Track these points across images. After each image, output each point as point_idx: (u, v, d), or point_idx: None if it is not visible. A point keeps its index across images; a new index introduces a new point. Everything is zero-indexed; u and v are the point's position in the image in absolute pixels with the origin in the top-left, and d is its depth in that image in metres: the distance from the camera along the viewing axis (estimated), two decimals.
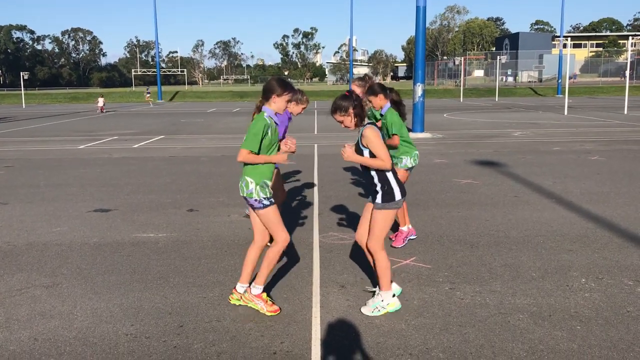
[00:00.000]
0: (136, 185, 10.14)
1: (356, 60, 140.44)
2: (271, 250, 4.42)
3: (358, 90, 6.84)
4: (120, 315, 4.47)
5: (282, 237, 4.37)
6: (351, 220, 7.33)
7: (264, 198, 4.30)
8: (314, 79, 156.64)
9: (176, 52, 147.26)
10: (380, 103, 5.81)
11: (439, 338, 3.99)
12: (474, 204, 8.23)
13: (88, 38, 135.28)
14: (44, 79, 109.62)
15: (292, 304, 4.62)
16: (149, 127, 23.80)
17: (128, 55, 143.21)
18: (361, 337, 4.04)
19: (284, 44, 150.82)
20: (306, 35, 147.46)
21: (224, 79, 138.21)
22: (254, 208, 4.37)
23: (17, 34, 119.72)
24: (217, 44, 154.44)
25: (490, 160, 12.46)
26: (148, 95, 50.29)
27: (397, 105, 5.82)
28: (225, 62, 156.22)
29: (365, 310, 4.40)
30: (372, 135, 4.18)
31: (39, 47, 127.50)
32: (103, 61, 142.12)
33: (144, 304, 4.70)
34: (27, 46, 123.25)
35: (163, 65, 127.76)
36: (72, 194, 9.31)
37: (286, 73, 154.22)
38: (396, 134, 5.76)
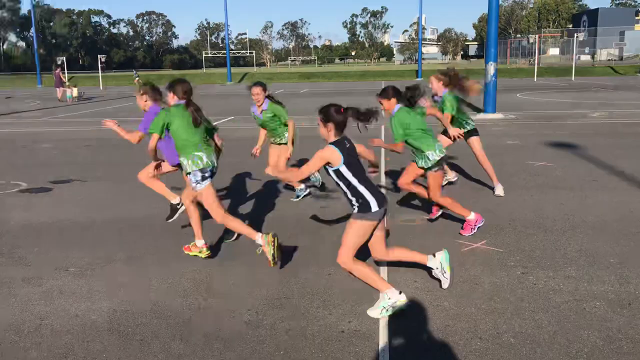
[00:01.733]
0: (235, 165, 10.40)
1: (425, 39, 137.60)
2: None
3: (435, 83, 7.04)
4: (192, 290, 4.62)
5: None
6: (419, 202, 7.24)
7: None
8: (381, 59, 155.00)
9: (245, 33, 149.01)
10: (390, 107, 5.71)
11: (510, 323, 3.90)
12: (549, 187, 7.95)
13: (161, 21, 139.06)
14: (120, 62, 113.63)
15: (361, 284, 4.63)
16: (221, 107, 24.29)
17: (199, 38, 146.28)
18: (429, 319, 4.01)
19: (352, 24, 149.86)
20: (374, 14, 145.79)
21: (292, 60, 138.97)
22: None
23: (95, 19, 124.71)
24: (285, 25, 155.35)
25: (567, 142, 11.99)
26: (137, 79, 49.67)
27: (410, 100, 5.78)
28: (292, 44, 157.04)
29: (372, 312, 4.09)
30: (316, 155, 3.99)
31: (115, 31, 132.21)
32: (175, 44, 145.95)
33: (215, 279, 4.84)
34: (104, 30, 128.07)
35: (232, 47, 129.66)
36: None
37: (353, 53, 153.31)
38: (399, 142, 5.63)
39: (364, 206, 4.01)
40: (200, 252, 5.30)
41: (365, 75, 56.39)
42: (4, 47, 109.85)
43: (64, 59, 56.63)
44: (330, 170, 4.05)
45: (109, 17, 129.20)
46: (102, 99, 33.09)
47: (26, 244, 5.93)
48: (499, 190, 7.56)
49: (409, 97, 5.76)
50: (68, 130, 16.81)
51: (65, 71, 33.11)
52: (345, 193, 4.10)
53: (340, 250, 4.06)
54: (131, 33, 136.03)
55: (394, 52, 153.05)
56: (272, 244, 4.82)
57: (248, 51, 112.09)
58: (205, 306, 4.30)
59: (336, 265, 4.18)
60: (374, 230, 4.13)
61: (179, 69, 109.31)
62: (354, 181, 4.02)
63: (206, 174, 5.09)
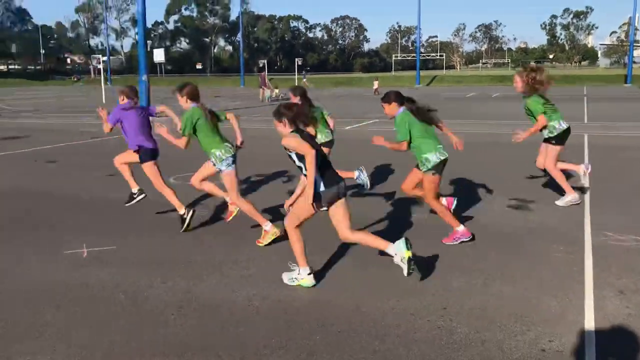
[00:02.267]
0: (404, 168, 10.51)
1: (637, 42, 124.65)
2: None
3: (519, 80, 7.07)
4: (386, 290, 4.69)
5: None
6: (632, 221, 6.59)
7: None
8: (582, 62, 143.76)
9: (436, 36, 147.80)
10: (391, 111, 5.87)
11: None
12: None
13: (354, 25, 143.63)
14: (313, 64, 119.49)
15: (561, 303, 4.35)
16: None
17: (389, 41, 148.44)
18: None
19: (552, 25, 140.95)
20: (578, 14, 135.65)
21: (483, 63, 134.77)
22: None
23: (293, 24, 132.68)
24: (478, 27, 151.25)
25: None
26: (304, 80, 48.77)
27: (417, 110, 5.78)
28: (485, 46, 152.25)
29: (284, 277, 4.86)
30: (288, 142, 4.58)
31: (311, 35, 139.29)
32: (366, 47, 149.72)
33: (408, 282, 4.86)
34: (301, 34, 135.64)
35: (422, 50, 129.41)
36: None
37: (551, 56, 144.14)
38: (402, 140, 5.70)
39: (316, 194, 4.56)
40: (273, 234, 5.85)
41: (567, 79, 52.67)
42: (215, 50, 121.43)
43: (265, 61, 60.92)
44: (293, 155, 4.63)
45: (306, 22, 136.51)
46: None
47: (229, 231, 6.48)
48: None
49: (411, 108, 5.79)
50: (261, 129, 18.06)
51: (266, 73, 35.66)
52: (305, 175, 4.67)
53: (288, 216, 4.77)
54: (325, 37, 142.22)
55: (599, 55, 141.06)
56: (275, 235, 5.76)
57: (438, 54, 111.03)
58: (397, 306, 4.35)
59: (531, 280, 3.97)
60: (337, 208, 4.65)
61: (369, 71, 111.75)
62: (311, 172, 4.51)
63: (232, 160, 6.08)
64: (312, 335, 3.91)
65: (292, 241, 4.76)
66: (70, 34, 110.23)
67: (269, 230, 5.89)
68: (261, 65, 58.09)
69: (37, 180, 9.66)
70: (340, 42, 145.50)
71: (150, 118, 7.21)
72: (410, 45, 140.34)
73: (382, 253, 4.79)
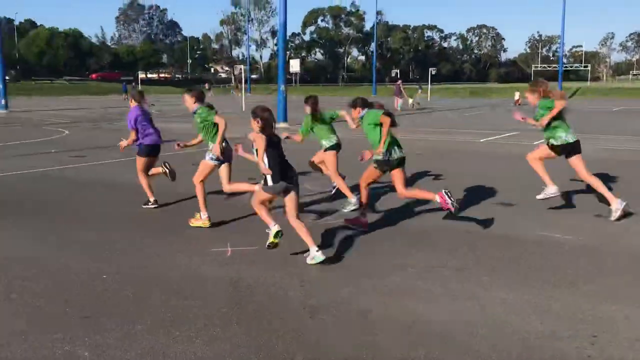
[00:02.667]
0: (532, 182, 9.99)
1: None
2: None
3: (529, 95, 7.63)
4: (529, 311, 4.48)
5: None
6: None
7: None
8: None
9: (580, 46, 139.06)
10: (356, 115, 7.20)
11: None
12: None
13: (491, 34, 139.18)
14: (447, 74, 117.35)
15: None
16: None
17: (528, 51, 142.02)
18: None
19: None
20: None
21: (633, 75, 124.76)
22: None
23: (428, 33, 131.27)
24: (630, 35, 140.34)
25: None
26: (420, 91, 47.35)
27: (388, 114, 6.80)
28: (637, 56, 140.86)
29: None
30: (254, 137, 5.75)
31: (445, 45, 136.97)
32: (503, 57, 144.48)
33: (553, 304, 4.61)
34: (436, 44, 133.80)
35: (564, 60, 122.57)
36: (476, 184, 9.77)
37: None
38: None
39: (265, 184, 5.77)
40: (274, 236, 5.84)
41: None
42: (348, 60, 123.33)
43: (398, 71, 60.79)
44: (254, 150, 5.71)
45: (441, 31, 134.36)
46: (430, 110, 34.59)
47: (366, 240, 6.52)
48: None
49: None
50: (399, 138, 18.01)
51: (401, 82, 35.63)
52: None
53: (253, 198, 5.98)
54: (460, 47, 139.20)
55: None
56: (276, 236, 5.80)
57: (583, 65, 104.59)
58: (542, 330, 4.13)
59: None
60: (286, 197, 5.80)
61: (505, 82, 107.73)
62: (265, 161, 5.72)
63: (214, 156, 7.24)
64: None
65: (260, 214, 5.90)
66: (214, 45, 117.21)
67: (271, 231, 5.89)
68: (393, 74, 58.25)
69: (180, 182, 10.35)
70: (475, 51, 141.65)
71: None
72: (551, 56, 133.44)
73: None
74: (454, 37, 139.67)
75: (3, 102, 34.00)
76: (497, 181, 10.05)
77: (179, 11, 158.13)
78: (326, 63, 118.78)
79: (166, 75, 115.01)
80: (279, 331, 4.15)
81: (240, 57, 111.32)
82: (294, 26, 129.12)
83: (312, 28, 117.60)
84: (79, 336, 4.06)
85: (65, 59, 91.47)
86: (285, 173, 5.78)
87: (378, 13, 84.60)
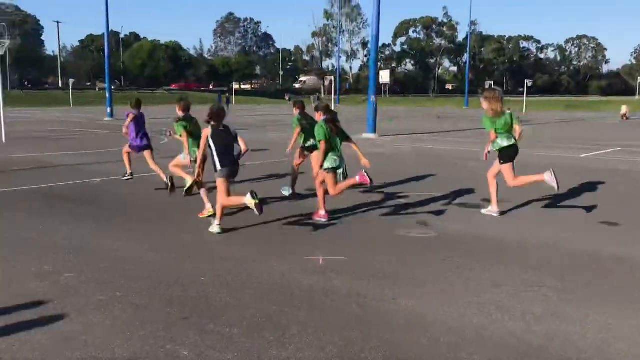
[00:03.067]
0: (636, 200, 9.43)
1: None
2: None
3: (484, 102, 8.21)
4: (636, 337, 4.22)
5: None
6: None
7: None
8: None
9: None
10: (318, 118, 8.15)
11: None
12: None
13: (592, 45, 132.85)
14: (543, 86, 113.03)
15: None
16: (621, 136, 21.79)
17: (633, 62, 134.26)
18: None
19: None
20: None
21: None
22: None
23: (523, 44, 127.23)
24: None
25: None
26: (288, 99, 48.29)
27: (332, 121, 7.97)
28: None
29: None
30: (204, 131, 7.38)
31: (542, 56, 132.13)
32: (605, 68, 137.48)
33: None
34: (532, 55, 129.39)
35: None
36: (575, 202, 9.35)
37: None
38: (321, 140, 7.81)
39: (215, 169, 7.15)
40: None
41: None
42: (439, 71, 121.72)
43: (491, 83, 59.32)
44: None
45: (538, 42, 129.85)
46: (525, 123, 33.43)
47: (460, 254, 6.39)
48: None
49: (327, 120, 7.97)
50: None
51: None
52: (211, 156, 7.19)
53: (217, 195, 7.22)
54: (558, 58, 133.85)
55: None
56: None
57: None
58: None
59: None
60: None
61: (607, 95, 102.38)
62: (214, 150, 7.11)
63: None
64: None
65: (232, 202, 7.25)
66: (305, 57, 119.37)
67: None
68: (487, 86, 56.94)
69: (272, 190, 10.58)
70: (574, 62, 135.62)
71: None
72: None
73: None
74: (551, 48, 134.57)
75: (109, 110, 36.24)
76: (598, 199, 9.57)
77: (273, 24, 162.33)
78: (416, 74, 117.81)
79: (258, 87, 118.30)
80: (372, 342, 4.14)
81: (330, 68, 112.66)
82: (385, 37, 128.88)
83: (403, 39, 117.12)
84: (180, 336, 4.24)
85: (165, 70, 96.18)
86: (230, 160, 7.24)
87: (472, 23, 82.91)
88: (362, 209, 8.85)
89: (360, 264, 6.02)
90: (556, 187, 7.79)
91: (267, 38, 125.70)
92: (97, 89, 77.58)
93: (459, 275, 5.68)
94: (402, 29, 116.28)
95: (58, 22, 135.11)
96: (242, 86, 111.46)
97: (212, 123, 7.24)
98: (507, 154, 8.12)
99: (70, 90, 63.67)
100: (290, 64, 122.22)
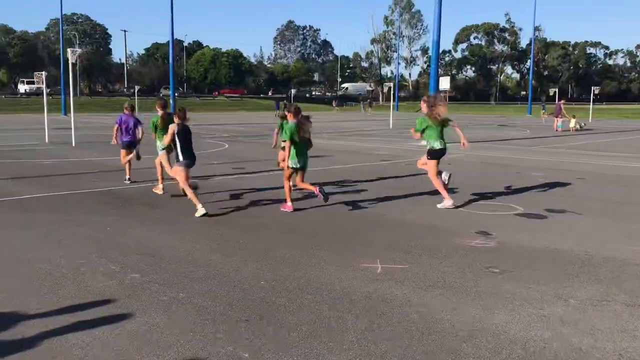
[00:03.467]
0: None
1: None
2: None
3: (423, 104, 9.64)
4: None
5: None
6: None
7: None
8: None
9: None
10: (290, 119, 9.18)
11: None
12: None
13: None
14: (611, 94, 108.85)
15: None
16: None
17: None
18: None
19: None
20: None
21: None
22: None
23: (590, 50, 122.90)
24: None
25: None
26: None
27: (300, 123, 9.00)
28: None
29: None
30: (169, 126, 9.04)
31: (610, 62, 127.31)
32: None
33: None
34: (599, 61, 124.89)
35: None
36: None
37: None
38: (285, 140, 9.18)
39: (178, 160, 8.78)
40: None
41: None
42: (501, 78, 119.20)
43: (556, 90, 57.67)
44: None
45: (607, 48, 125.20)
46: (593, 132, 32.33)
47: (522, 265, 6.22)
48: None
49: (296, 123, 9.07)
50: (559, 161, 17.02)
51: (562, 102, 33.72)
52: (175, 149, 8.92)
53: (179, 178, 8.92)
54: (628, 64, 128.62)
55: None
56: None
57: None
58: None
59: None
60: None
61: None
62: (178, 145, 8.78)
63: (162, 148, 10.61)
64: None
65: (189, 194, 8.83)
66: (364, 64, 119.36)
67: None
68: (552, 93, 55.34)
69: (330, 197, 10.60)
70: None
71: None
72: None
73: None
74: (620, 54, 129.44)
75: None
76: None
77: (332, 31, 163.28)
78: (476, 80, 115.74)
79: (317, 93, 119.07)
80: (433, 353, 4.08)
81: (389, 75, 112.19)
82: (446, 43, 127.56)
83: (464, 45, 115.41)
84: (240, 338, 4.31)
85: (226, 77, 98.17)
86: (190, 154, 8.93)
87: (536, 29, 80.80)
88: (419, 217, 8.75)
89: (420, 272, 5.96)
90: (446, 180, 9.62)
91: (326, 45, 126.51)
92: (161, 95, 79.97)
93: (521, 287, 5.53)
94: (463, 35, 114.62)
95: (125, 31, 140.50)
96: (299, 93, 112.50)
97: (178, 121, 8.87)
98: (436, 154, 9.45)
99: (136, 97, 65.89)
100: (348, 70, 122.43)
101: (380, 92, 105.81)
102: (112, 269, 5.99)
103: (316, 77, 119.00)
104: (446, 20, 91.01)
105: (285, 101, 66.26)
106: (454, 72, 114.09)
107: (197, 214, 8.52)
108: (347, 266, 6.16)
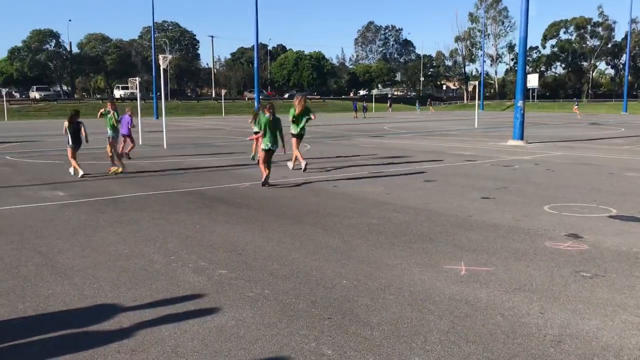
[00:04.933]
0: None
1: None
2: None
3: (295, 100, 14.55)
4: None
5: None
6: None
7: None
8: None
9: None
10: (267, 113, 11.97)
11: None
12: None
13: None
14: None
15: None
16: None
17: None
18: None
19: None
20: None
21: None
22: None
23: None
24: None
25: None
26: (576, 106, 46.17)
27: (273, 117, 11.88)
28: None
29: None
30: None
31: None
32: None
33: None
34: None
35: None
36: None
37: None
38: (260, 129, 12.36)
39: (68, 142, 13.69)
40: None
41: None
42: (593, 74, 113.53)
43: None
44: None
45: None
46: None
47: (616, 270, 5.94)
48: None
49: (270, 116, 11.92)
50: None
51: None
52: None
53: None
54: None
55: None
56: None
57: None
58: None
59: None
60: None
61: None
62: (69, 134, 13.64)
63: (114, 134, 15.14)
64: None
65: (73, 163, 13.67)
66: (448, 62, 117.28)
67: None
68: None
69: (417, 197, 10.51)
70: None
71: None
72: None
73: None
74: None
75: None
76: None
77: (414, 29, 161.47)
78: (567, 77, 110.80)
79: (399, 93, 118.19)
80: (517, 357, 3.99)
81: (474, 73, 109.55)
82: (533, 39, 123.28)
83: (553, 41, 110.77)
84: (323, 335, 4.39)
85: (309, 79, 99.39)
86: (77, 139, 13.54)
87: (632, 21, 76.32)
88: (506, 218, 8.53)
89: (506, 275, 5.82)
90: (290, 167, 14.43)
91: (407, 44, 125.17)
92: (246, 99, 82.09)
93: (614, 292, 5.29)
94: (552, 30, 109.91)
95: (212, 37, 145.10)
96: (383, 92, 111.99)
97: (72, 120, 13.56)
98: (296, 136, 14.17)
99: (223, 100, 68.01)
100: (431, 69, 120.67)
101: (464, 91, 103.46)
102: (201, 265, 6.25)
103: (398, 77, 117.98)
104: (534, 16, 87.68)
105: (364, 102, 66.26)
106: (542, 69, 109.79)
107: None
108: (430, 267, 6.12)
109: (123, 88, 76.92)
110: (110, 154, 14.77)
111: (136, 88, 25.25)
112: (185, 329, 4.52)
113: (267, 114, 11.84)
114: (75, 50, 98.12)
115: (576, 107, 51.44)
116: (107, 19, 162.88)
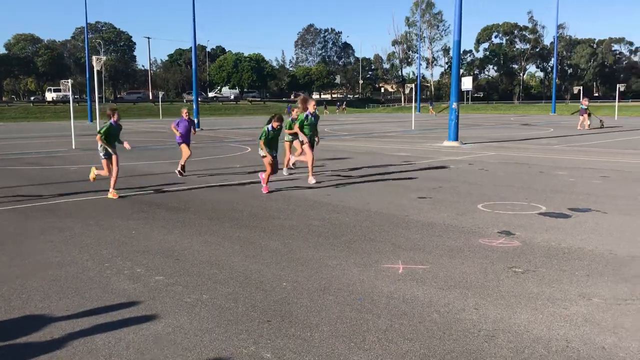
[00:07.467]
0: None
1: None
2: None
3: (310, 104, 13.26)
4: None
5: None
6: None
7: None
8: None
9: None
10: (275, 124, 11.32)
11: None
12: None
13: None
14: (638, 91, 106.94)
15: None
16: None
17: None
18: None
19: None
20: None
21: None
22: None
23: (615, 47, 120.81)
24: None
25: None
26: (431, 107, 55.55)
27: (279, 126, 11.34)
28: None
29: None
30: None
31: (636, 59, 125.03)
32: None
33: None
34: (624, 58, 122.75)
35: None
36: None
37: None
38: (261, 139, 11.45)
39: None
40: None
41: None
42: (524, 77, 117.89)
43: (580, 88, 56.87)
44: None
45: (630, 44, 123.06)
46: (617, 130, 31.83)
47: (546, 265, 6.17)
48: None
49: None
50: (583, 160, 16.80)
51: (586, 100, 33.31)
52: None
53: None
54: None
55: None
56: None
57: None
58: None
59: None
60: None
61: None
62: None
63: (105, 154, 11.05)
64: None
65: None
66: (385, 65, 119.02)
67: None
68: (575, 91, 54.63)
69: (354, 198, 10.62)
70: None
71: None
72: None
73: None
74: None
75: (196, 121, 37.61)
76: None
77: (353, 33, 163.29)
78: (499, 79, 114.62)
79: (339, 96, 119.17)
80: (453, 352, 4.09)
81: (411, 76, 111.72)
82: (467, 43, 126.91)
83: (486, 45, 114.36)
84: (262, 338, 4.36)
85: (248, 81, 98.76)
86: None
87: (559, 27, 79.74)
88: (442, 217, 8.73)
89: (442, 272, 5.95)
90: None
91: (346, 47, 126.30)
92: (184, 101, 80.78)
93: (544, 286, 5.50)
94: (485, 34, 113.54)
95: (149, 38, 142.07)
96: (322, 95, 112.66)
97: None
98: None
99: (160, 102, 66.65)
100: (370, 72, 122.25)
101: (402, 94, 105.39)
102: (137, 272, 6.09)
103: (338, 79, 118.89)
104: (468, 20, 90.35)
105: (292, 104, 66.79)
106: (476, 71, 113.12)
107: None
108: (368, 267, 6.18)
109: (55, 90, 74.29)
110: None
111: (69, 90, 24.38)
112: (120, 337, 4.40)
113: (277, 125, 11.27)
114: (2, 50, 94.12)
115: (431, 107, 61.58)
116: (37, 19, 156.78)
